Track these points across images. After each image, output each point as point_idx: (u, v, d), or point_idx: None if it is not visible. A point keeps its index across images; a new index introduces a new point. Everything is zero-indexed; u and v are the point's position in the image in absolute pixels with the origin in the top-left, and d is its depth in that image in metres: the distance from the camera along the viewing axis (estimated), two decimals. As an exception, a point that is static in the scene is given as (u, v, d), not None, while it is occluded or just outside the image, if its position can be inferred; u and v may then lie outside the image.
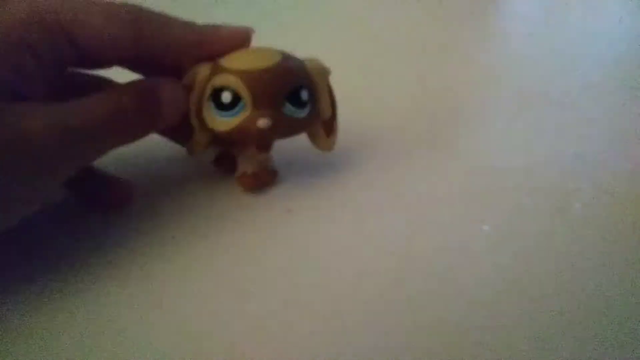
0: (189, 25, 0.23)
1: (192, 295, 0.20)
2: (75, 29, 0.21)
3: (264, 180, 0.26)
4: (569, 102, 0.37)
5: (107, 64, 0.23)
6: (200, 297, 0.20)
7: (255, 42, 0.24)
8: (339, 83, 0.26)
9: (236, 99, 0.23)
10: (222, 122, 0.23)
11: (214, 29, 0.24)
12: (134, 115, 0.21)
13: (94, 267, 0.21)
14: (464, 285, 0.21)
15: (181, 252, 0.22)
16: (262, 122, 0.22)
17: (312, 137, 0.26)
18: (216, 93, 0.23)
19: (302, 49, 0.25)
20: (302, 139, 0.26)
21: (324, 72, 0.25)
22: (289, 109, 0.23)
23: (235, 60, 0.23)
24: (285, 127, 0.24)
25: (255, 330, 0.19)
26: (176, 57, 0.23)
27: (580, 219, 0.25)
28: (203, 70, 0.23)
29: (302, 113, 0.24)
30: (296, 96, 0.23)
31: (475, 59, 0.46)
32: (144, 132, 0.23)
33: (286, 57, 0.24)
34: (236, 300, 0.20)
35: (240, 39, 0.24)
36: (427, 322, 0.20)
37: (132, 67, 0.25)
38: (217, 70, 0.23)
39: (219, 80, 0.23)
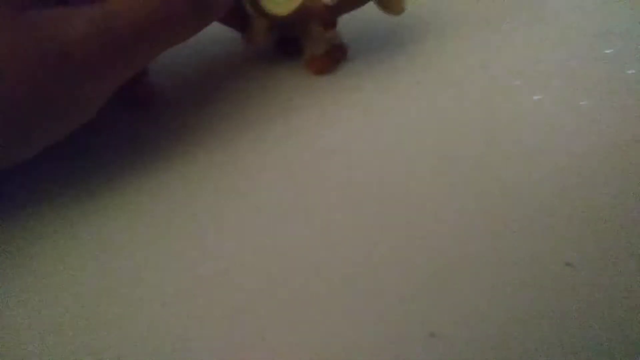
0: None
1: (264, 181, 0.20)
2: None
3: (334, 59, 0.24)
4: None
5: None
6: (272, 177, 0.20)
7: None
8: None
9: (292, -26, 0.20)
10: (281, 4, 0.21)
11: None
12: (185, 11, 0.19)
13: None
14: (554, 169, 0.19)
15: (249, 142, 0.21)
16: (328, -2, 0.20)
17: (380, 2, 0.23)
18: (267, -29, 0.20)
19: None
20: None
21: None
22: None
23: None
24: None
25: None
26: None
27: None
28: None
29: None
30: None
31: None
32: (195, 30, 0.21)
33: None
34: (311, 177, 0.20)
35: None
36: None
37: None
38: None
39: None
